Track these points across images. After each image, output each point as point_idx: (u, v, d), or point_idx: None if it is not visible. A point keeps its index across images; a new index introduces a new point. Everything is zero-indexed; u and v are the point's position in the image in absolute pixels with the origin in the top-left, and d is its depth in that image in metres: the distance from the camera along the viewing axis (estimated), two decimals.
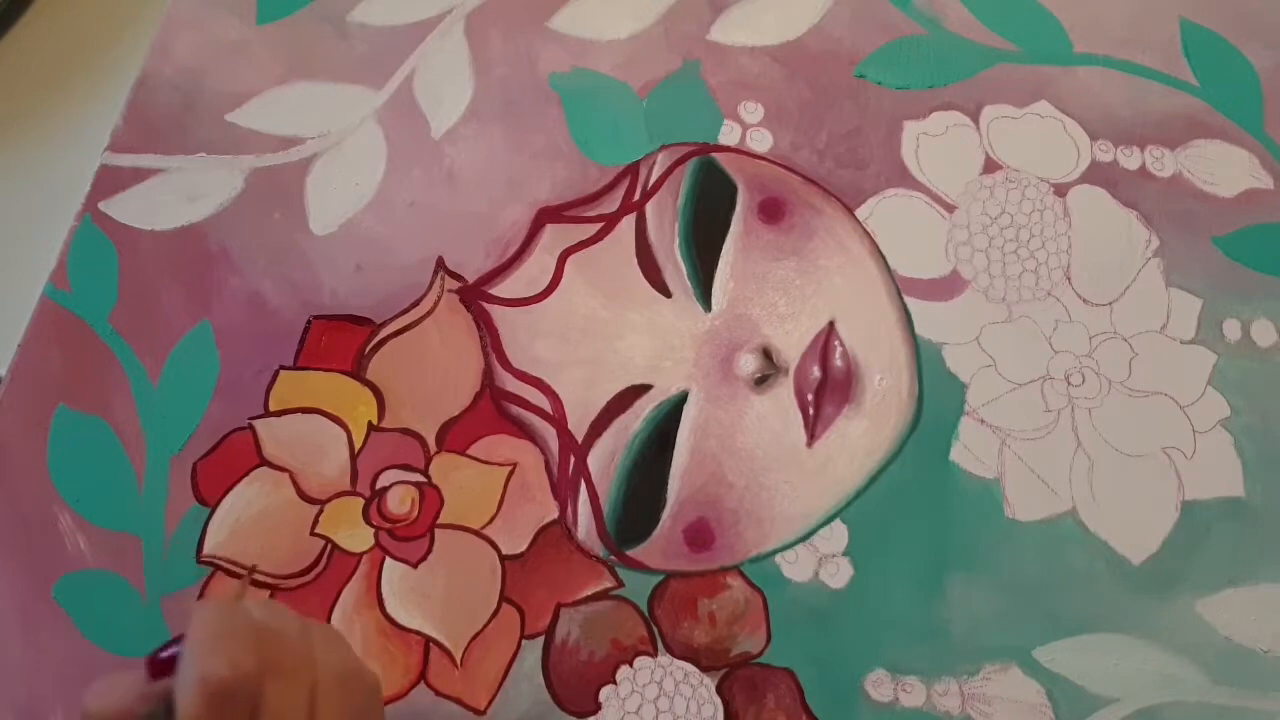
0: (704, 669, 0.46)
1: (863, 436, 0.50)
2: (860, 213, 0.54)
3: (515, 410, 0.50)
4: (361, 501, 0.49)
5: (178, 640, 0.32)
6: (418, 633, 0.47)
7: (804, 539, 0.48)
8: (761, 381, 0.50)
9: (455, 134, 0.56)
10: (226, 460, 0.49)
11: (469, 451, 0.49)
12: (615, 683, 0.46)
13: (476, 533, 0.48)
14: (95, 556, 0.48)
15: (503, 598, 0.47)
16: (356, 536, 0.48)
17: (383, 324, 0.52)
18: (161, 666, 0.32)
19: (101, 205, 0.54)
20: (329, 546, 0.48)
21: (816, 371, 0.50)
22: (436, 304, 0.52)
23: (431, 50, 0.58)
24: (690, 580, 0.48)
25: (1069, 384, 0.51)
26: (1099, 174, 0.55)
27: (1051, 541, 0.48)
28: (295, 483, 0.49)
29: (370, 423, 0.50)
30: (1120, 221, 0.54)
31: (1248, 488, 0.49)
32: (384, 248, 0.53)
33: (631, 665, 0.46)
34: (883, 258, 0.53)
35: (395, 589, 0.47)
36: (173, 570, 0.47)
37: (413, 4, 0.59)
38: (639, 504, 0.49)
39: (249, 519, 0.48)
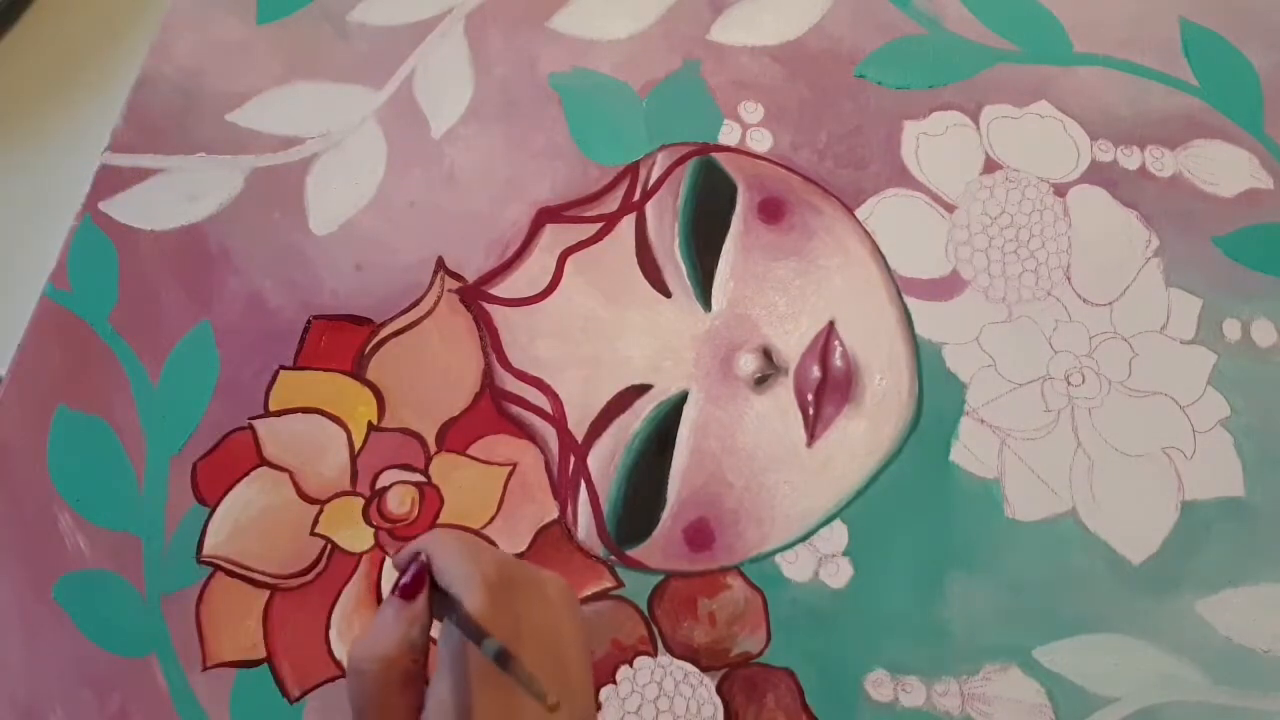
0: (704, 669, 0.46)
1: (863, 436, 0.50)
2: (860, 213, 0.54)
3: (515, 410, 0.50)
4: (361, 501, 0.49)
5: (409, 568, 0.35)
6: None
7: (804, 539, 0.48)
8: (761, 381, 0.50)
9: (455, 134, 0.56)
10: (226, 460, 0.49)
11: (469, 451, 0.49)
12: (615, 683, 0.46)
13: (476, 533, 0.48)
14: (95, 556, 0.48)
15: None
16: (356, 536, 0.48)
17: (383, 324, 0.52)
18: (412, 587, 0.35)
19: (101, 205, 0.54)
20: (329, 546, 0.48)
21: (816, 371, 0.50)
22: (436, 304, 0.52)
23: (431, 50, 0.58)
24: (690, 580, 0.48)
25: (1069, 384, 0.51)
26: (1099, 174, 0.55)
27: (1051, 541, 0.48)
28: (295, 483, 0.49)
29: (370, 423, 0.50)
30: (1120, 221, 0.54)
31: (1248, 488, 0.49)
32: (384, 248, 0.53)
33: (631, 665, 0.46)
34: (883, 258, 0.53)
35: None
36: (173, 570, 0.47)
37: (413, 4, 0.59)
38: (639, 504, 0.49)
39: (249, 519, 0.48)
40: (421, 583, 0.35)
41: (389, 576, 0.47)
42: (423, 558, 0.35)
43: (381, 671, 0.33)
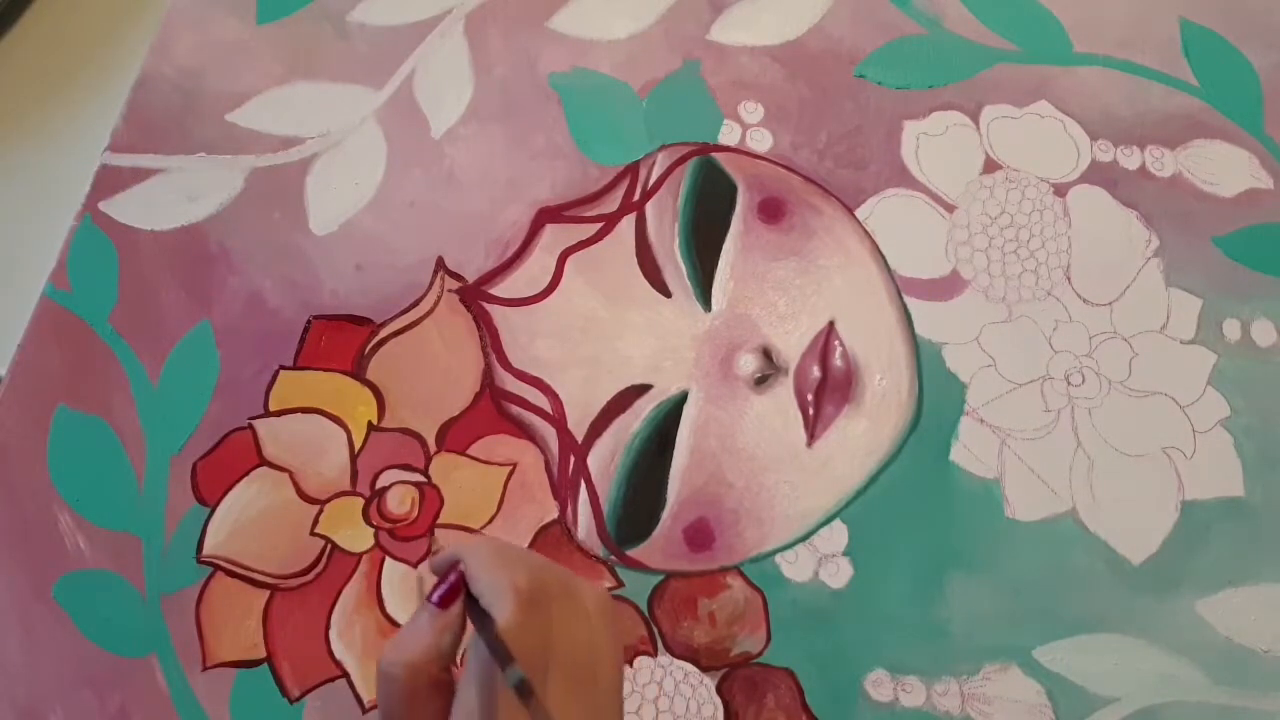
0: (704, 669, 0.46)
1: (863, 436, 0.50)
2: (860, 213, 0.54)
3: (515, 410, 0.50)
4: (361, 501, 0.49)
5: (445, 577, 0.35)
6: None
7: (804, 539, 0.48)
8: (761, 381, 0.50)
9: (455, 134, 0.56)
10: (226, 460, 0.49)
11: (469, 451, 0.49)
12: None
13: (477, 533, 0.48)
14: (95, 556, 0.48)
15: None
16: (356, 536, 0.48)
17: (383, 324, 0.52)
18: (448, 596, 0.35)
19: (101, 205, 0.54)
20: (329, 546, 0.48)
21: (816, 371, 0.50)
22: (436, 304, 0.52)
23: (431, 50, 0.58)
24: (690, 580, 0.48)
25: (1069, 384, 0.51)
26: (1099, 174, 0.55)
27: (1051, 541, 0.48)
28: (295, 483, 0.49)
29: (370, 423, 0.50)
30: (1120, 221, 0.54)
31: (1248, 488, 0.49)
32: (384, 248, 0.53)
33: (631, 665, 0.46)
34: (883, 258, 0.53)
35: (395, 589, 0.47)
36: (172, 570, 0.47)
37: (413, 4, 0.59)
38: (639, 504, 0.49)
39: (249, 519, 0.48)
40: (457, 592, 0.35)
41: (389, 576, 0.47)
42: (461, 567, 0.35)
43: (409, 677, 0.34)
